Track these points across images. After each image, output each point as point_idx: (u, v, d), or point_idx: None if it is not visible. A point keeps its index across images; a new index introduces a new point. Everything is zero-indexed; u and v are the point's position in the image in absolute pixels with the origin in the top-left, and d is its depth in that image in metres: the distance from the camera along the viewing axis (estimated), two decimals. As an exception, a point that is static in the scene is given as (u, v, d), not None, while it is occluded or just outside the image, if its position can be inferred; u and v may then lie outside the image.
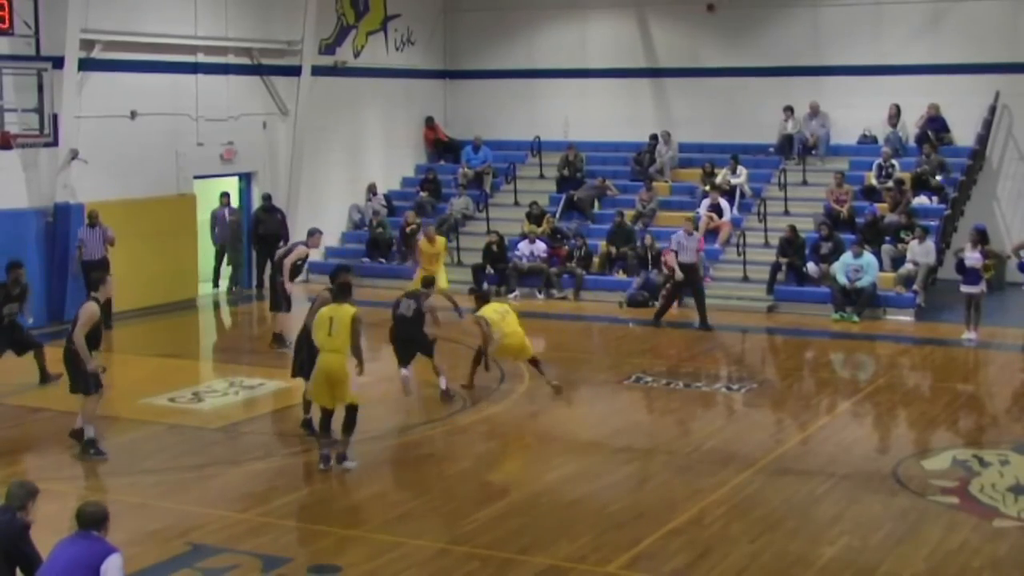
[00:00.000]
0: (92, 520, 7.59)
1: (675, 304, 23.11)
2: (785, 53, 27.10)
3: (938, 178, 24.51)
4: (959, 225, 24.28)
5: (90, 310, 13.36)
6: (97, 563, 7.35)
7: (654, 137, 27.58)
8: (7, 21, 19.38)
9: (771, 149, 26.86)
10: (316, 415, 13.53)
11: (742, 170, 25.95)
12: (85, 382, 13.45)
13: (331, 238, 27.28)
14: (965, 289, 19.96)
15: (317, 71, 26.10)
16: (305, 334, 14.05)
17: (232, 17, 24.43)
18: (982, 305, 20.10)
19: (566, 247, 24.86)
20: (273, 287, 19.26)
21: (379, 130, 28.65)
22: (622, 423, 15.35)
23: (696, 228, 22.44)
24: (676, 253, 21.43)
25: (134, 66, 22.43)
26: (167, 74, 23.13)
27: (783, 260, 23.01)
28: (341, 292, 13.25)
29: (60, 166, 21.07)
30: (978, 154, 25.32)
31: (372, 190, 27.79)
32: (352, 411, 12.87)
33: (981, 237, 20.15)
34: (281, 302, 18.85)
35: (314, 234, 19.20)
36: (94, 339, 13.49)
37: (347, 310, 12.85)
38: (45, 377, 16.46)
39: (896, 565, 10.42)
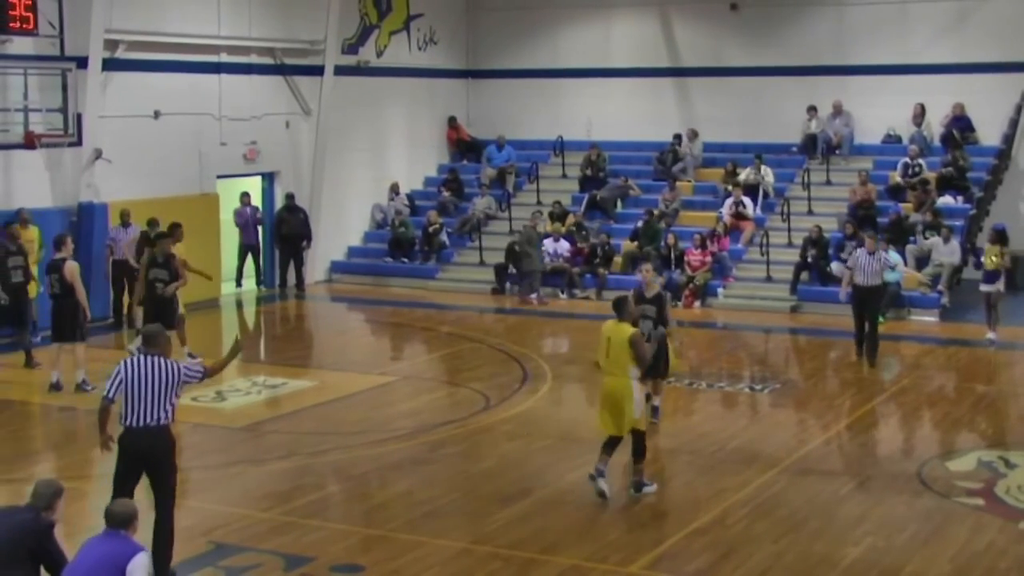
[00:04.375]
0: (120, 520, 7.59)
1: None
2: (809, 52, 26.99)
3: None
4: (984, 225, 24.12)
5: (74, 267, 16.10)
6: (123, 563, 7.34)
7: (677, 136, 27.51)
8: (32, 21, 19.46)
9: (795, 148, 26.76)
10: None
11: (766, 169, 25.86)
12: (74, 331, 15.91)
13: (353, 237, 27.38)
14: (984, 288, 19.88)
15: (340, 71, 26.11)
16: None
17: (255, 17, 24.47)
18: (999, 304, 19.94)
19: (590, 244, 24.76)
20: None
21: (402, 130, 28.65)
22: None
23: (885, 246, 18.92)
24: (852, 272, 18.27)
25: (158, 66, 22.49)
26: (190, 74, 23.19)
27: (807, 259, 22.89)
28: (618, 309, 12.21)
29: (84, 166, 21.15)
30: (1004, 153, 25.18)
31: (395, 189, 27.79)
32: (638, 437, 12.12)
33: (999, 237, 20.03)
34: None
35: None
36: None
37: (625, 330, 12.01)
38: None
39: (921, 566, 10.36)
